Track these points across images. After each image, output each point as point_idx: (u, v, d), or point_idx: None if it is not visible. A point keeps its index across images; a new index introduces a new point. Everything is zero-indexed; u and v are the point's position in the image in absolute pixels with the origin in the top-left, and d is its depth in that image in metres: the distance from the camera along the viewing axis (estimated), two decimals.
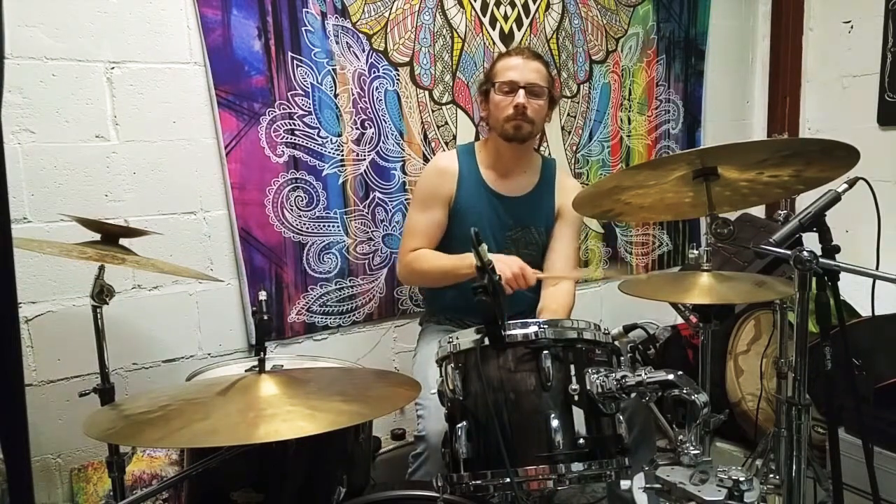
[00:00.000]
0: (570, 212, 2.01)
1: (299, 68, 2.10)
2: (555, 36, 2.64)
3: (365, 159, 2.26)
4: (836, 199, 1.40)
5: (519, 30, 2.54)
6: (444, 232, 2.04)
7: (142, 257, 1.55)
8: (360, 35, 2.21)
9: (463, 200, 2.02)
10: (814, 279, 1.33)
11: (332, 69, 2.16)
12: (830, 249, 1.40)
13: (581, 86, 2.75)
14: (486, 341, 1.25)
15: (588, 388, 1.22)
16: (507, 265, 1.76)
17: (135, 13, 1.86)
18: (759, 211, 3.04)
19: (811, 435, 2.14)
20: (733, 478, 1.05)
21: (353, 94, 2.21)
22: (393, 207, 2.33)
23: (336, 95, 2.18)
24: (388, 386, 1.29)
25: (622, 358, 1.33)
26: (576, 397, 1.21)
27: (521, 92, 1.92)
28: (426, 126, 2.38)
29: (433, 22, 2.35)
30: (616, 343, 1.35)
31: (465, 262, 1.82)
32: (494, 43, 2.48)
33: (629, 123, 2.92)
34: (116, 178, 1.88)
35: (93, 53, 1.81)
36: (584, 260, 2.86)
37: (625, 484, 1.16)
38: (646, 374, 1.18)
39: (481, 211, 2.02)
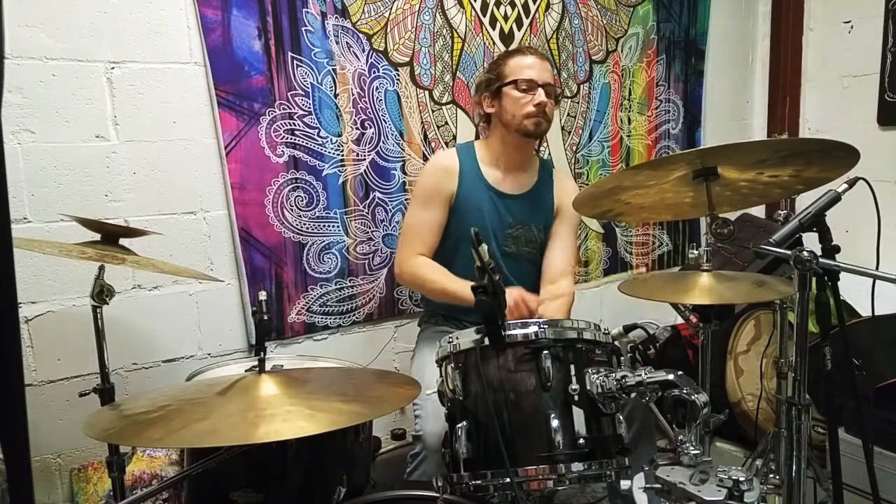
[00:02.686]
0: (568, 210, 2.02)
1: (299, 68, 2.10)
2: (555, 36, 2.64)
3: (365, 159, 2.26)
4: (836, 199, 1.40)
5: (519, 30, 2.54)
6: (445, 230, 2.04)
7: (142, 257, 1.55)
8: (360, 35, 2.21)
9: (464, 197, 2.02)
10: (814, 279, 1.33)
11: (332, 69, 2.16)
12: (830, 249, 1.40)
13: (581, 86, 2.75)
14: (486, 341, 1.25)
15: (588, 388, 1.22)
16: (508, 295, 1.75)
17: (135, 13, 1.86)
18: (759, 211, 3.04)
19: (811, 435, 2.13)
20: (733, 478, 1.05)
21: (353, 94, 2.21)
22: (393, 207, 2.32)
23: (336, 95, 2.18)
24: (388, 386, 1.29)
25: (622, 358, 1.33)
26: (576, 397, 1.21)
27: (541, 90, 1.94)
28: (426, 126, 2.38)
29: (433, 22, 2.35)
30: (616, 343, 1.35)
31: (466, 291, 1.81)
32: (494, 43, 2.48)
33: (629, 123, 2.92)
34: (116, 178, 1.88)
35: (93, 53, 1.81)
36: (584, 260, 2.86)
37: (625, 484, 1.16)
38: (646, 374, 1.18)
39: (482, 208, 2.03)
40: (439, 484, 1.25)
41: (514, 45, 2.49)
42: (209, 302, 2.05)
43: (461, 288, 1.86)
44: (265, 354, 1.22)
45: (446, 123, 2.42)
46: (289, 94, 2.09)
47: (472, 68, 2.44)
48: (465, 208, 2.02)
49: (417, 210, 2.05)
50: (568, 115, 2.73)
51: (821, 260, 1.30)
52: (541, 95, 1.94)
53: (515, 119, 1.97)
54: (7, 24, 1.08)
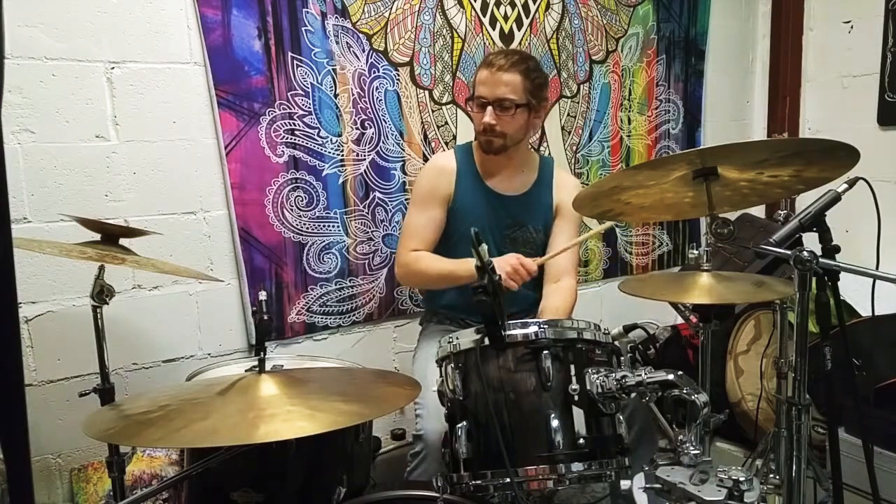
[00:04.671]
0: (569, 208, 2.01)
1: (299, 68, 2.10)
2: (555, 36, 2.64)
3: (365, 159, 2.26)
4: (836, 199, 1.40)
5: (519, 30, 2.54)
6: (443, 231, 2.04)
7: (142, 257, 1.55)
8: (360, 35, 2.21)
9: (461, 199, 2.02)
10: (814, 279, 1.34)
11: (332, 69, 2.16)
12: (830, 249, 1.40)
13: (581, 86, 2.74)
14: (486, 341, 1.25)
15: (588, 388, 1.22)
16: (505, 261, 1.79)
17: (135, 13, 1.86)
18: (759, 211, 3.04)
19: (811, 435, 2.13)
20: (733, 478, 1.05)
21: (353, 94, 2.21)
22: (393, 207, 2.32)
23: (336, 95, 2.18)
24: (388, 386, 1.29)
25: (622, 358, 1.33)
26: (576, 397, 1.21)
27: (489, 109, 1.91)
28: (426, 126, 2.38)
29: (433, 22, 2.35)
30: (616, 343, 1.35)
31: (463, 266, 1.84)
32: (494, 43, 2.48)
33: (629, 123, 2.92)
34: (116, 178, 1.88)
35: (93, 53, 1.81)
36: (584, 260, 2.86)
37: (625, 484, 1.16)
38: (646, 374, 1.18)
39: (480, 209, 2.03)
40: (439, 484, 1.25)
41: (499, 48, 2.45)
42: (209, 302, 2.05)
43: (457, 265, 1.88)
44: (265, 354, 1.22)
45: (446, 123, 2.42)
46: (289, 94, 2.09)
47: (472, 68, 2.43)
48: (462, 210, 2.02)
49: (415, 212, 2.05)
50: (568, 115, 2.73)
51: (821, 260, 1.31)
52: (487, 115, 1.91)
53: (476, 133, 2.02)
54: (7, 24, 1.08)
